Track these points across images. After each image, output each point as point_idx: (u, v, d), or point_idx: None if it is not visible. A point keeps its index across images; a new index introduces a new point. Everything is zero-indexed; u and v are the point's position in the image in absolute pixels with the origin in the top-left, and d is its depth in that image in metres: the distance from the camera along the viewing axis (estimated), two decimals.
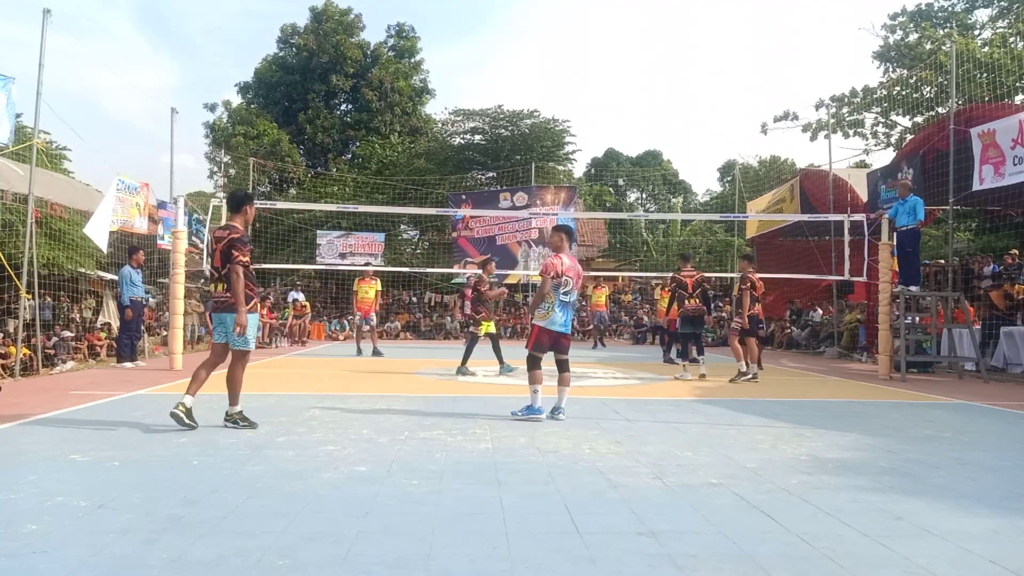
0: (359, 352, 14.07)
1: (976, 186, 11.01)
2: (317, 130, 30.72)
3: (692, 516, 3.34)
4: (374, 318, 14.72)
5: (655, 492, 3.76)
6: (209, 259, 5.48)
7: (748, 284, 10.00)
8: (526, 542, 2.91)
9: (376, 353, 13.71)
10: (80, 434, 5.10)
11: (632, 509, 3.42)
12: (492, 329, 10.75)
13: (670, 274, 11.73)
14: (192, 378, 5.39)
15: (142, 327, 12.38)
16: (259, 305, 5.50)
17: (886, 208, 12.04)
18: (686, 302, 10.11)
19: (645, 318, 23.14)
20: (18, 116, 11.70)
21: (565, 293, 6.20)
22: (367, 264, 19.98)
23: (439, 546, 2.85)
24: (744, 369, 9.79)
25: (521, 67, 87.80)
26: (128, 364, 10.87)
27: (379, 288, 14.94)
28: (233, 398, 5.44)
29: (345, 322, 22.59)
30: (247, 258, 5.26)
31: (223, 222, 13.64)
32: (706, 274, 10.31)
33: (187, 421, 5.17)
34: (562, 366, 6.25)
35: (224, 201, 5.72)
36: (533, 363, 6.24)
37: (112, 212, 11.58)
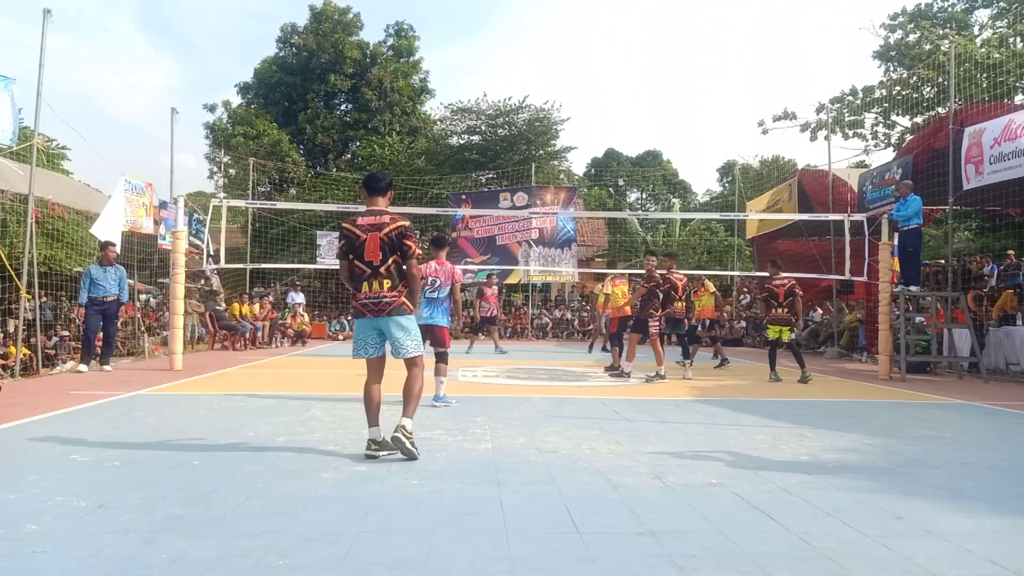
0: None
1: (964, 185, 11.04)
2: (317, 130, 30.68)
3: (692, 516, 3.34)
4: None
5: (655, 492, 3.76)
6: (356, 251, 4.40)
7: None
8: (526, 542, 2.91)
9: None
10: (80, 434, 5.11)
11: (632, 509, 3.42)
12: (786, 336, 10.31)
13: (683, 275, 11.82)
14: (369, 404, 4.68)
15: (115, 329, 11.00)
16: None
17: (886, 208, 12.04)
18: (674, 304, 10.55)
19: None
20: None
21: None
22: None
23: (439, 546, 2.85)
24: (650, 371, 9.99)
25: (522, 67, 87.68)
26: (83, 368, 9.87)
27: None
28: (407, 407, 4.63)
29: (345, 322, 22.57)
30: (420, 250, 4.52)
31: (224, 222, 13.72)
32: (678, 273, 10.69)
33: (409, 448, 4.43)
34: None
35: (363, 183, 4.66)
36: (447, 358, 7.17)
37: (123, 213, 11.59)
